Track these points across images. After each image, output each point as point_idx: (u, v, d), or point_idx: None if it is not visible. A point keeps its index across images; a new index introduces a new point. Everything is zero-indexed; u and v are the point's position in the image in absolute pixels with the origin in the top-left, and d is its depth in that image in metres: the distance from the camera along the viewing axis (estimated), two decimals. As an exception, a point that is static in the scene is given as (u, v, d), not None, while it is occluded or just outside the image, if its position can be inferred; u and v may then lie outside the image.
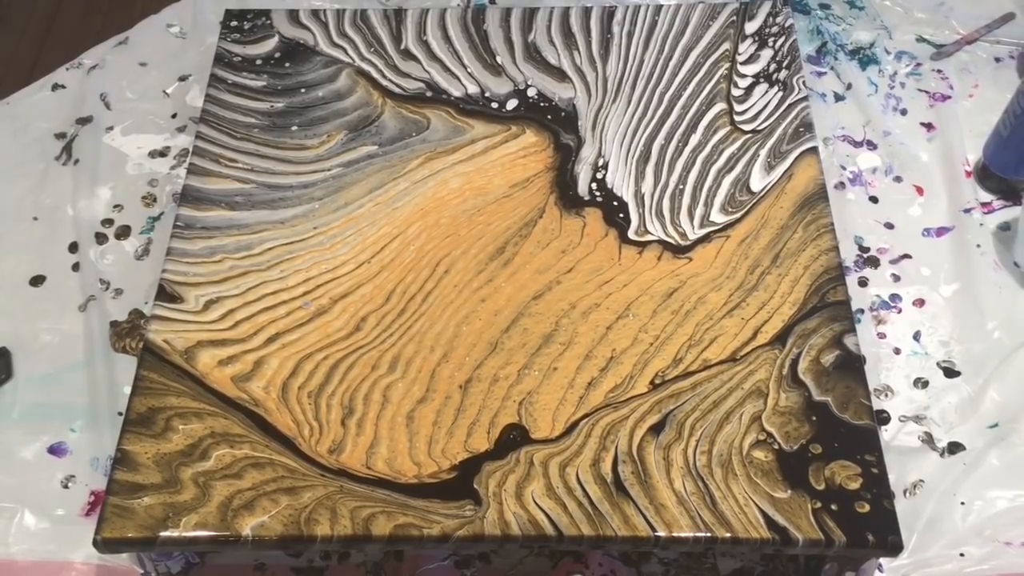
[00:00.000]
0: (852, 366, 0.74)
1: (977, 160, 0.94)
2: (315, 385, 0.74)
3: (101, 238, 0.91)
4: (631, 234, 0.82)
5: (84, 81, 1.03)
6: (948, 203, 0.92)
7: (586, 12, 0.97)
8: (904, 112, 0.99)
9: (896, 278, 0.87)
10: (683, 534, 0.66)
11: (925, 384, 0.81)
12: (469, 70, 0.93)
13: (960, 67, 1.02)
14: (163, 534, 0.67)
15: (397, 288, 0.79)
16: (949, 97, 1.00)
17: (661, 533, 0.66)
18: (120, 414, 0.80)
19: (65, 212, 0.94)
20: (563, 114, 0.90)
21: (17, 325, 0.86)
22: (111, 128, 0.99)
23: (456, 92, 0.91)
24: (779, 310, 0.77)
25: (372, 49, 0.95)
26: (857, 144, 0.96)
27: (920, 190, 0.93)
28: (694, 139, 0.87)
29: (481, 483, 0.69)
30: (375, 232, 0.82)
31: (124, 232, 0.92)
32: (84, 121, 0.99)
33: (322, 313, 0.78)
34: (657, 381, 0.73)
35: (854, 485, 0.68)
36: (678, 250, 0.80)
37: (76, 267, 0.90)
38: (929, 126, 0.98)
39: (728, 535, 0.66)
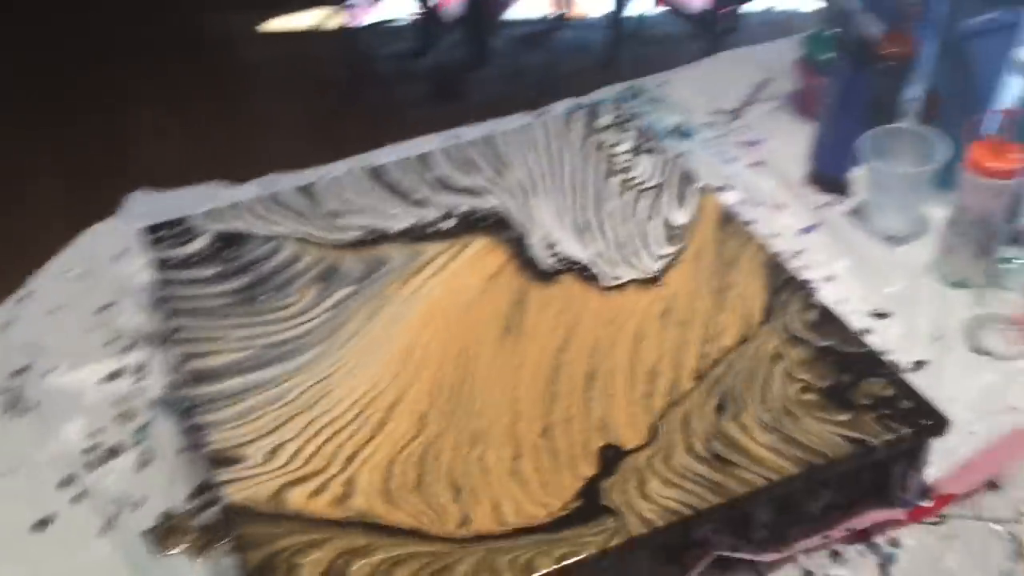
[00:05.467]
0: (831, 317, 0.88)
1: (809, 170, 1.16)
2: (413, 481, 0.76)
3: (92, 465, 0.88)
4: (608, 283, 0.93)
5: (1, 338, 1.00)
6: (804, 209, 1.12)
7: (471, 144, 1.11)
8: (734, 160, 1.20)
9: (805, 268, 1.04)
10: (792, 471, 0.75)
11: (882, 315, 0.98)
12: (395, 212, 1.02)
13: (757, 119, 1.26)
14: (348, 650, 0.65)
15: (439, 382, 0.84)
16: (759, 141, 1.23)
17: (774, 477, 0.74)
18: (205, 604, 0.76)
19: (34, 460, 0.89)
20: (497, 219, 1.01)
21: (36, 572, 0.80)
22: (54, 369, 0.96)
23: (397, 228, 1.00)
24: (755, 296, 0.90)
25: (301, 218, 1.02)
26: (718, 190, 1.15)
27: (781, 206, 1.13)
28: (613, 204, 1.02)
29: (608, 498, 0.74)
30: (393, 347, 0.87)
31: (113, 452, 0.89)
32: (21, 372, 0.96)
33: (384, 424, 0.80)
34: (697, 375, 0.83)
35: (889, 392, 0.81)
36: (651, 281, 0.93)
37: (78, 498, 0.85)
38: (759, 163, 1.19)
39: (824, 461, 0.76)
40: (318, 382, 0.84)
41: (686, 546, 0.78)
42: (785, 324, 0.87)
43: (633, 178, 1.05)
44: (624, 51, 2.77)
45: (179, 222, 1.02)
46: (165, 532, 0.82)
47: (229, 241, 0.99)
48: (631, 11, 2.84)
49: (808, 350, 0.85)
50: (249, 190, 1.16)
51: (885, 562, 0.78)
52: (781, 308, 0.89)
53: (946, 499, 0.82)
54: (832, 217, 1.10)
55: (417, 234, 0.99)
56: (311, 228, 1.01)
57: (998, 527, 0.80)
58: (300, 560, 0.71)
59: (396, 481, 0.76)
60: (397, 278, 0.94)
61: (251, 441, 0.79)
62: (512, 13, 3.07)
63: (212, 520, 0.83)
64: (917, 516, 0.81)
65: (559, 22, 2.98)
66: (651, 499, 0.74)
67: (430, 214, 1.02)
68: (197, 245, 0.99)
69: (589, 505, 0.74)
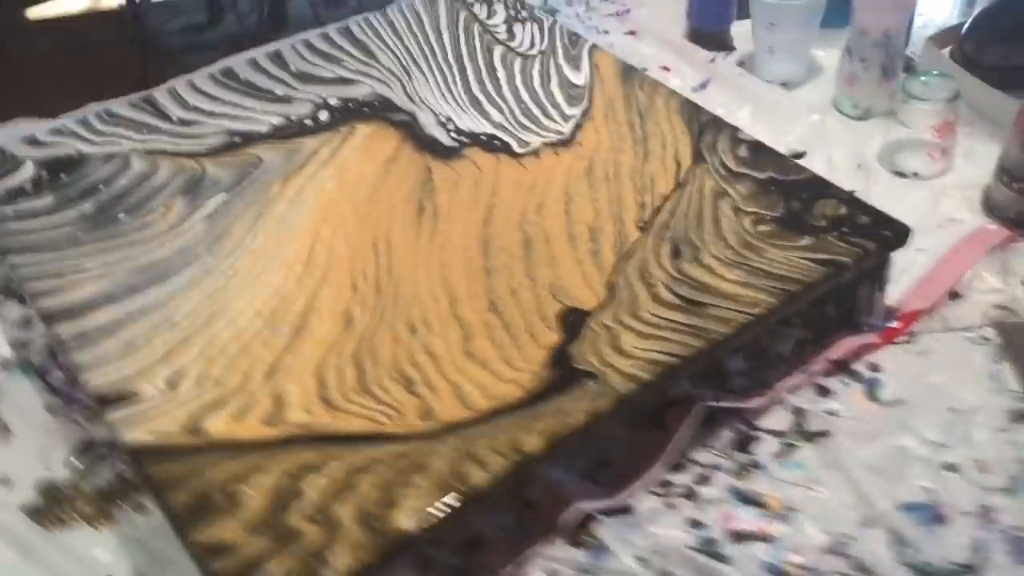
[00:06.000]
0: (763, 148, 0.82)
1: (688, 30, 1.09)
2: (354, 382, 0.64)
3: (-64, 448, 0.71)
4: (518, 150, 0.83)
5: None
6: (692, 67, 1.06)
7: (326, 36, 0.98)
8: (607, 32, 1.13)
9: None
10: (770, 302, 0.68)
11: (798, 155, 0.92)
12: (260, 110, 0.88)
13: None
14: (325, 579, 0.53)
15: (355, 277, 0.72)
16: (628, 10, 1.16)
17: (753, 311, 0.67)
18: (113, 578, 0.61)
19: None
20: (377, 104, 0.89)
21: None
22: None
23: (264, 128, 0.86)
24: (678, 139, 0.83)
25: (145, 131, 0.86)
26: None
27: (668, 68, 1.06)
28: (502, 74, 0.92)
29: (582, 362, 0.64)
30: (290, 250, 0.74)
31: (-41, 429, 0.72)
32: None
33: (301, 329, 0.68)
34: (641, 224, 0.75)
35: (843, 211, 0.75)
36: (565, 142, 0.83)
37: (-76, 489, 0.68)
38: (633, 32, 1.12)
39: (799, 287, 0.69)
40: (208, 297, 0.70)
41: (667, 406, 0.70)
42: (719, 162, 0.80)
43: (516, 47, 0.96)
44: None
45: (-8, 154, 0.84)
46: (50, 504, 0.66)
47: (60, 166, 0.83)
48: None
49: (750, 183, 0.78)
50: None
51: (871, 388, 0.73)
52: (710, 148, 0.82)
53: (913, 316, 0.77)
54: (722, 71, 1.04)
55: (289, 131, 0.86)
56: (159, 140, 0.85)
57: (970, 333, 0.76)
58: (241, 489, 0.58)
59: (333, 386, 0.64)
60: (277, 178, 0.81)
61: (141, 372, 0.65)
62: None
63: (109, 480, 0.68)
64: (889, 337, 0.76)
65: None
66: (629, 354, 0.65)
67: (299, 109, 0.89)
68: (21, 176, 0.82)
69: (564, 373, 0.64)
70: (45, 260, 0.73)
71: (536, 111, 0.87)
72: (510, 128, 0.85)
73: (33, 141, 0.85)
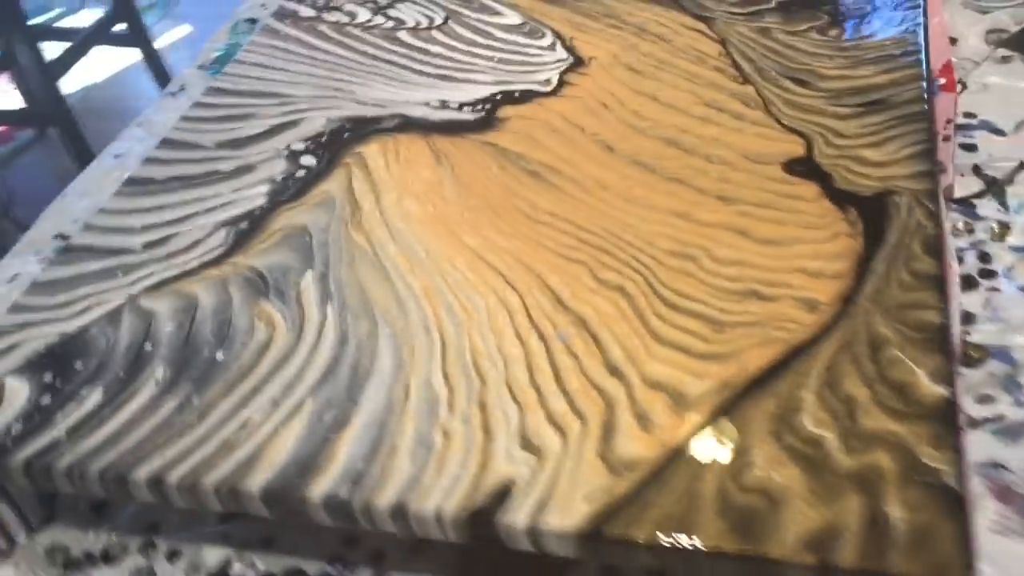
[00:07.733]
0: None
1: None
2: (707, 331, 0.53)
3: None
4: (546, 89, 0.74)
5: None
6: None
7: (203, 104, 0.79)
8: None
9: None
10: (923, 71, 0.67)
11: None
12: (231, 189, 0.69)
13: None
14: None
15: (563, 252, 0.59)
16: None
17: (921, 81, 0.66)
18: None
19: None
20: (351, 124, 0.74)
21: None
22: None
23: (263, 201, 0.68)
24: (671, 15, 0.79)
25: (120, 273, 0.63)
26: None
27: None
28: (439, 49, 0.82)
29: (864, 187, 0.59)
30: (458, 272, 0.59)
31: None
32: None
33: (582, 321, 0.54)
34: (740, 80, 0.71)
35: (867, -5, 0.77)
36: (580, 63, 0.76)
37: None
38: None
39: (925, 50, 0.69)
40: (441, 354, 0.54)
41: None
42: (725, 12, 0.78)
43: (416, 26, 0.85)
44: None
45: (-59, 399, 0.57)
46: None
47: (61, 360, 0.58)
48: None
49: (773, 12, 0.77)
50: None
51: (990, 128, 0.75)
52: (702, 8, 0.79)
53: (948, 67, 0.81)
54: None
55: (292, 190, 0.68)
56: (151, 274, 0.63)
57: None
58: (746, 473, 0.45)
59: (695, 345, 0.52)
60: (343, 231, 0.64)
61: (486, 458, 0.48)
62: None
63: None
64: (951, 88, 0.79)
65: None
66: (886, 163, 0.61)
67: (274, 167, 0.71)
68: (19, 397, 0.56)
69: (862, 204, 0.59)
70: (189, 444, 0.51)
71: (518, 58, 0.78)
72: (514, 81, 0.75)
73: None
